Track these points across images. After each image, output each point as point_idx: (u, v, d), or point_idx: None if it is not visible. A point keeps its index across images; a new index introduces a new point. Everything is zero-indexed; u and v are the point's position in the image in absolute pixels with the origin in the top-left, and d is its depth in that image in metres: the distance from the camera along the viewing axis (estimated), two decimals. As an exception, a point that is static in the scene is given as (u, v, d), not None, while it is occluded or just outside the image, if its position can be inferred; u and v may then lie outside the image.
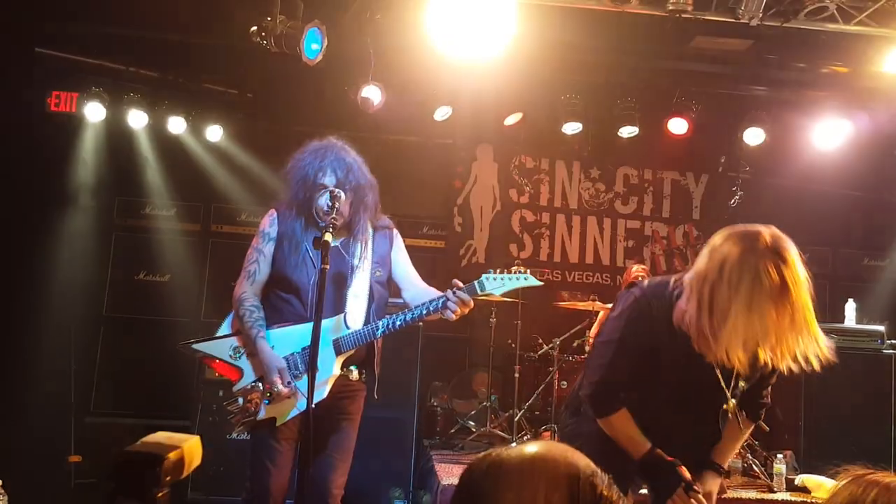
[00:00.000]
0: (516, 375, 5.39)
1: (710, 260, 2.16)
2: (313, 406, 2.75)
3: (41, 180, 5.89)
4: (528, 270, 3.26)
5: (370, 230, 3.13)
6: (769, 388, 2.52)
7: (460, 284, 2.95)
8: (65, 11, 5.00)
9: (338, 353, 2.95)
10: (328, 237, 2.80)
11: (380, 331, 2.97)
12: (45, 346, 5.66)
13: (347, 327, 2.96)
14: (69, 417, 5.53)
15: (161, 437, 1.16)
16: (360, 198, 3.05)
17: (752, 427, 2.56)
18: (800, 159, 6.20)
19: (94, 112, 5.63)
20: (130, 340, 6.13)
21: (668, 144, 6.39)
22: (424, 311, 2.95)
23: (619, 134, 6.19)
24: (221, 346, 3.08)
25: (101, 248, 6.31)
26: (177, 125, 5.93)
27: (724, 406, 2.38)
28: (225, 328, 3.13)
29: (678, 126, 6.08)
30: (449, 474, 4.40)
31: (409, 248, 3.33)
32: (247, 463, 3.00)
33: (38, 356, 5.60)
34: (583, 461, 1.04)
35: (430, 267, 4.74)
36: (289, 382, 2.90)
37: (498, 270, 3.06)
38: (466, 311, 2.96)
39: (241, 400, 3.00)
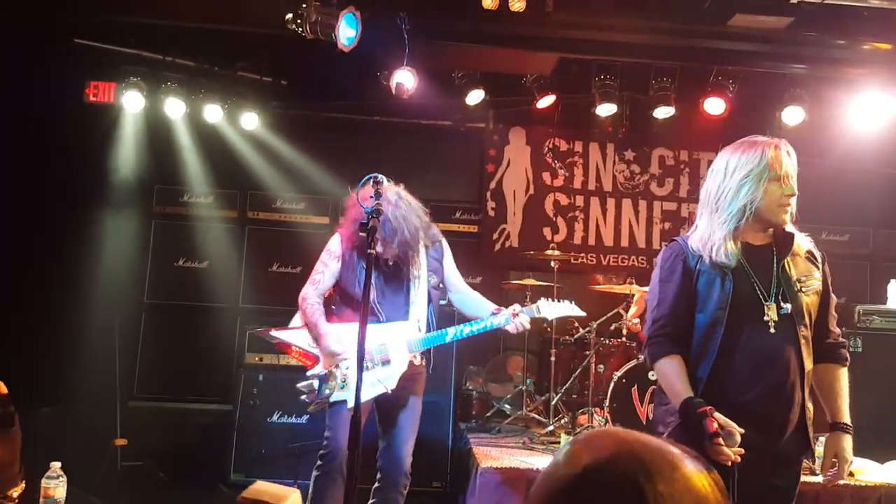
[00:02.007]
0: (552, 359, 5.39)
1: (708, 175, 2.57)
2: (388, 391, 3.44)
3: (81, 170, 6.00)
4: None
5: (422, 249, 3.61)
6: (833, 322, 2.58)
7: (519, 310, 3.55)
8: (102, 1, 5.06)
9: (409, 351, 3.52)
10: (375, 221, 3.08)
11: (448, 338, 3.53)
12: (89, 332, 5.79)
13: (420, 330, 3.54)
14: (114, 402, 5.66)
15: (265, 488, 1.20)
16: (404, 249, 3.49)
17: (843, 369, 2.57)
18: (840, 138, 6.07)
19: (133, 102, 5.71)
20: (171, 326, 6.25)
21: (704, 125, 6.30)
22: (489, 328, 3.54)
23: (654, 115, 6.12)
24: (300, 335, 3.58)
25: (142, 236, 6.43)
26: (213, 113, 5.99)
27: (766, 317, 2.40)
28: (296, 322, 3.64)
29: (715, 106, 5.99)
30: (487, 457, 4.42)
31: (442, 233, 3.79)
32: (325, 424, 3.50)
33: (84, 343, 5.74)
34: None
35: (464, 252, 4.74)
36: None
37: (551, 299, 3.79)
38: (520, 330, 3.60)
39: (315, 383, 3.46)
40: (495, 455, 4.52)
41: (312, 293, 3.56)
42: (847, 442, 2.48)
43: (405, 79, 5.24)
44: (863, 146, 6.04)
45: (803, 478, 4.26)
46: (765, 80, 6.05)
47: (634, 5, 4.83)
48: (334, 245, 3.62)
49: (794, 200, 2.48)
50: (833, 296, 2.60)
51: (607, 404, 4.81)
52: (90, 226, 6.08)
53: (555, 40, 4.96)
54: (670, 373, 2.45)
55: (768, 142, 2.50)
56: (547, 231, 6.95)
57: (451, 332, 3.52)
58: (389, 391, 3.45)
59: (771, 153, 2.46)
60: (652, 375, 4.75)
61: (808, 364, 2.47)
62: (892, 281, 5.53)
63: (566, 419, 5.37)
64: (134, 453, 5.47)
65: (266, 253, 6.54)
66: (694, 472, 0.92)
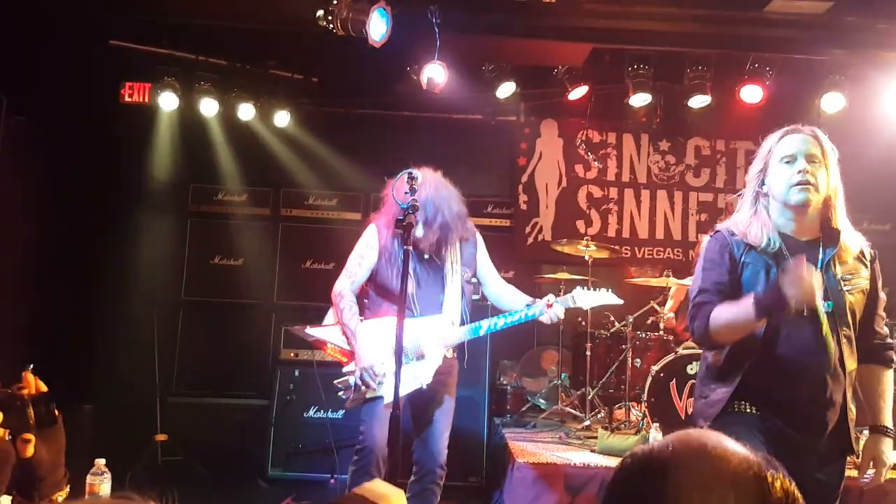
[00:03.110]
0: (587, 354, 5.34)
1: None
2: (423, 387, 3.42)
3: (117, 170, 6.10)
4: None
5: (458, 243, 3.57)
6: (880, 323, 2.51)
7: (554, 300, 3.48)
8: (136, 2, 5.12)
9: (444, 346, 3.48)
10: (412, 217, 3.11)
11: (482, 331, 3.48)
12: (129, 330, 5.89)
13: (453, 324, 3.47)
14: (154, 398, 5.75)
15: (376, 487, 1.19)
16: (445, 232, 3.44)
17: (887, 371, 2.50)
18: (881, 125, 5.91)
19: (167, 101, 5.78)
20: (208, 323, 6.33)
21: (741, 113, 6.18)
22: (523, 319, 3.47)
23: (689, 104, 6.02)
24: (335, 333, 3.53)
25: (178, 234, 6.51)
26: (246, 112, 6.03)
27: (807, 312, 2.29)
28: (329, 319, 3.61)
29: (752, 94, 5.87)
30: (523, 453, 4.40)
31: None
32: (360, 419, 3.46)
33: (124, 341, 5.84)
34: (752, 455, 0.97)
35: (496, 246, 4.71)
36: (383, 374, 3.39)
37: (586, 287, 3.67)
38: (556, 320, 3.51)
39: (351, 380, 3.42)
40: (531, 450, 4.49)
41: (348, 288, 3.51)
42: (886, 445, 2.42)
43: (436, 73, 5.21)
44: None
45: (847, 472, 4.22)
46: (803, 67, 5.91)
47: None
48: (371, 236, 3.54)
49: (814, 178, 2.36)
50: (883, 296, 2.53)
51: (645, 399, 4.76)
52: (128, 225, 6.18)
53: (587, 30, 4.90)
54: (725, 309, 2.35)
55: (786, 128, 2.46)
56: (580, 224, 6.88)
57: (486, 325, 3.48)
58: (425, 387, 3.43)
59: (778, 136, 2.44)
60: (691, 369, 4.68)
61: (851, 364, 2.39)
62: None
63: (602, 414, 5.32)
64: (174, 448, 5.55)
65: (299, 249, 6.58)
66: (727, 460, 0.95)
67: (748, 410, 2.37)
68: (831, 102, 5.81)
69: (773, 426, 2.33)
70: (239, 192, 6.64)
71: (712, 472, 0.93)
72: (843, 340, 2.37)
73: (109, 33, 5.57)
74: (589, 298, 3.62)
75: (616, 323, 5.58)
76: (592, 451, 4.51)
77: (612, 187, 6.93)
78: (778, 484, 0.94)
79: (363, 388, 3.36)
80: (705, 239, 2.60)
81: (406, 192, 3.08)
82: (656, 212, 6.92)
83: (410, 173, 3.09)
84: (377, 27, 4.30)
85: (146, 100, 5.90)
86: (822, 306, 2.30)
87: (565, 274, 5.53)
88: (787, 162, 2.38)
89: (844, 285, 2.40)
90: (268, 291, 6.53)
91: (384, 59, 4.98)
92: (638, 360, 5.22)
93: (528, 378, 6.13)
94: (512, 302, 3.65)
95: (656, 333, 5.32)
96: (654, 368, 4.78)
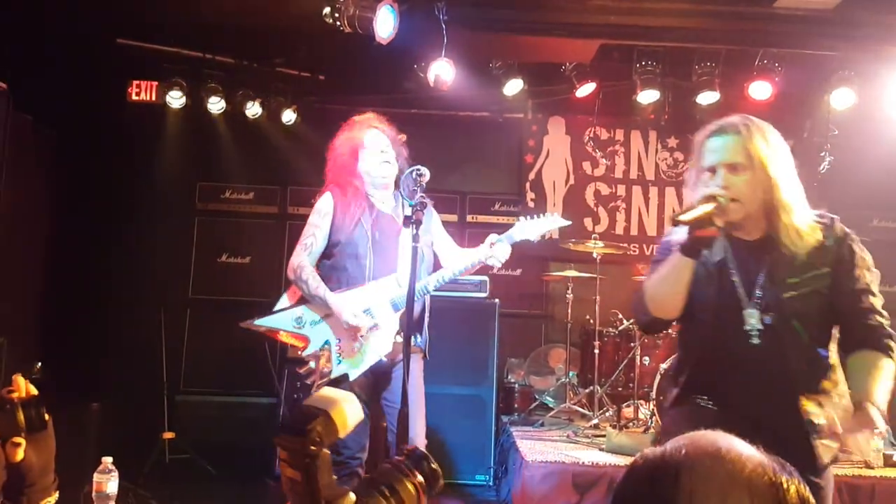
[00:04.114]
0: (596, 352, 5.32)
1: None
2: (384, 359, 3.23)
3: (125, 168, 6.10)
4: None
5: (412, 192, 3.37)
6: (866, 311, 2.15)
7: (494, 240, 3.27)
8: (143, 1, 5.13)
9: (395, 310, 3.25)
10: (382, 208, 3.11)
11: (431, 286, 3.26)
12: (136, 328, 5.89)
13: (400, 286, 3.23)
14: (161, 396, 5.76)
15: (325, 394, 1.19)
16: (404, 158, 3.42)
17: (878, 354, 2.11)
18: (891, 121, 5.86)
19: (174, 100, 5.78)
20: (215, 321, 6.32)
21: (750, 110, 6.06)
22: (468, 267, 3.26)
23: (697, 101, 5.98)
24: (283, 319, 3.34)
25: (185, 233, 6.52)
26: (253, 110, 6.03)
27: (746, 325, 2.10)
28: (283, 303, 3.41)
29: (761, 90, 5.82)
30: (531, 451, 4.38)
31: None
32: None
33: (131, 339, 5.84)
34: (766, 458, 0.95)
35: (505, 243, 4.72)
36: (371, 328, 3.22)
37: (529, 217, 3.42)
38: (504, 259, 3.27)
39: (313, 363, 3.28)
40: (540, 449, 4.47)
41: (307, 260, 3.30)
42: (871, 409, 2.00)
43: (443, 70, 5.20)
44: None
45: (858, 471, 4.19)
46: (813, 63, 5.87)
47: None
48: (325, 204, 3.38)
49: (735, 193, 2.10)
50: (864, 277, 2.17)
51: (654, 397, 4.74)
52: (135, 223, 6.18)
53: (595, 26, 4.87)
54: (658, 271, 2.18)
55: (710, 128, 2.23)
56: (588, 221, 6.85)
57: (433, 280, 3.25)
58: (385, 358, 3.23)
59: (702, 139, 2.23)
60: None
61: (811, 375, 2.15)
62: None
63: (611, 412, 5.30)
64: (181, 446, 5.55)
65: (307, 247, 6.57)
66: (742, 464, 0.94)
67: (703, 404, 2.22)
68: (841, 98, 5.76)
69: (730, 419, 2.23)
70: (246, 191, 6.64)
71: (727, 477, 0.91)
72: (791, 352, 2.11)
73: (117, 32, 5.58)
74: (533, 228, 3.35)
75: (625, 321, 5.56)
76: (601, 449, 4.50)
77: (619, 184, 6.90)
78: (793, 489, 0.92)
79: (326, 367, 3.21)
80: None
81: (414, 189, 3.06)
82: (665, 209, 6.89)
83: (418, 170, 3.06)
84: (385, 24, 4.29)
85: (153, 98, 5.91)
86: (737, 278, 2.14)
87: (573, 271, 5.51)
88: (710, 175, 2.16)
89: (789, 290, 2.12)
90: (275, 289, 6.47)
91: (391, 56, 4.97)
92: (646, 357, 5.20)
93: (535, 376, 6.11)
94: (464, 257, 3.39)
95: (665, 331, 5.29)
96: (663, 366, 4.76)
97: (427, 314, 3.41)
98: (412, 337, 3.15)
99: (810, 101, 6.11)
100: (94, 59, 5.41)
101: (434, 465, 1.19)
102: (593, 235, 5.64)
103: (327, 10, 4.28)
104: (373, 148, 3.42)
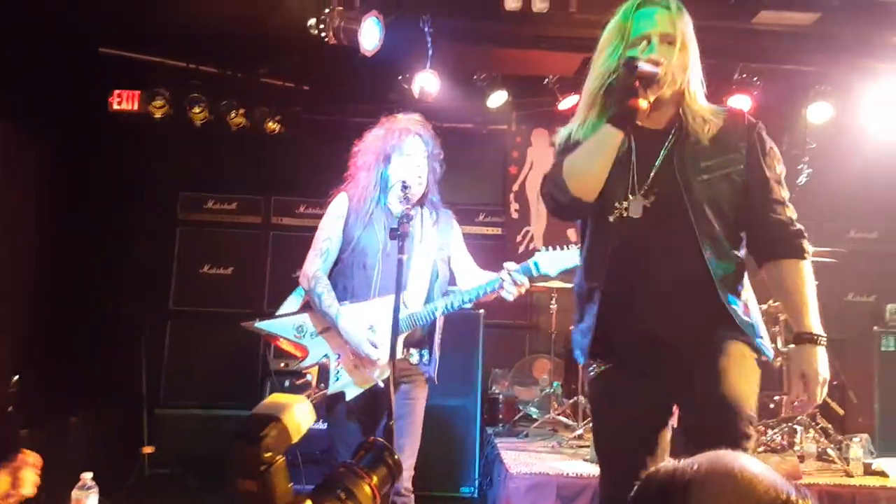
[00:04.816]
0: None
1: None
2: (381, 385, 3.00)
3: (108, 178, 6.05)
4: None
5: (440, 208, 3.21)
6: (777, 207, 2.08)
7: (514, 266, 3.00)
8: (125, 10, 5.10)
9: (404, 328, 2.99)
10: (407, 221, 2.82)
11: (438, 311, 3.03)
12: (116, 341, 5.82)
13: (406, 307, 2.97)
14: (141, 409, 5.69)
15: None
16: (438, 172, 3.18)
17: (797, 262, 2.06)
18: (869, 135, 5.96)
19: (157, 109, 5.74)
20: (197, 333, 6.27)
21: (729, 123, 6.20)
22: (481, 293, 3.00)
23: (678, 114, 6.03)
24: (285, 326, 3.13)
25: (167, 243, 6.46)
26: (237, 120, 6.01)
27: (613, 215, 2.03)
28: (288, 307, 3.19)
29: (740, 104, 5.90)
30: (516, 462, 4.38)
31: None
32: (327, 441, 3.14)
33: (111, 351, 5.77)
34: (780, 480, 0.95)
35: (488, 254, 4.71)
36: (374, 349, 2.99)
37: (549, 248, 3.14)
38: (523, 290, 3.00)
39: (309, 376, 3.08)
40: (524, 460, 4.47)
41: (322, 270, 3.09)
42: (815, 355, 1.96)
43: (428, 82, 5.22)
44: (893, 142, 5.91)
45: (838, 480, 4.22)
46: (791, 77, 5.96)
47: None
48: (339, 206, 3.17)
49: (668, 66, 2.04)
50: (775, 167, 2.12)
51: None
52: (116, 234, 6.12)
53: (579, 40, 4.91)
54: (582, 147, 2.08)
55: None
56: (571, 232, 6.88)
57: (441, 305, 3.03)
58: (381, 383, 3.01)
59: (632, 9, 2.18)
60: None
61: (719, 267, 2.02)
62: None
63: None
64: (162, 460, 5.49)
65: (291, 258, 6.49)
66: (754, 485, 0.94)
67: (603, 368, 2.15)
68: (819, 112, 5.85)
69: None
70: (229, 201, 6.60)
71: (736, 495, 0.92)
72: (706, 241, 2.02)
73: (99, 41, 5.55)
74: (554, 261, 3.11)
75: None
76: (585, 460, 4.50)
77: (602, 196, 6.94)
78: None
79: (322, 384, 3.04)
80: None
81: (401, 202, 3.03)
82: (647, 220, 6.94)
83: (403, 182, 3.02)
84: (370, 36, 4.31)
85: (136, 108, 5.86)
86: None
87: (558, 283, 5.52)
88: (645, 44, 2.08)
89: (700, 174, 2.04)
90: (258, 300, 6.48)
91: (376, 67, 4.99)
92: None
93: (520, 387, 6.11)
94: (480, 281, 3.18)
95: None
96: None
97: (439, 334, 3.17)
98: (418, 353, 3.08)
99: (789, 114, 6.19)
100: (75, 69, 5.37)
101: (396, 457, 1.19)
102: (576, 246, 5.66)
103: (312, 21, 4.29)
104: (410, 157, 3.13)
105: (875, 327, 5.22)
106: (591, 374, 2.21)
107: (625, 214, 2.05)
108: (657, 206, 2.04)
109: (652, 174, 2.05)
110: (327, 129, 6.48)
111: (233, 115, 5.98)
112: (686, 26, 2.08)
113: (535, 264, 3.07)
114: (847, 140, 6.18)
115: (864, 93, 5.71)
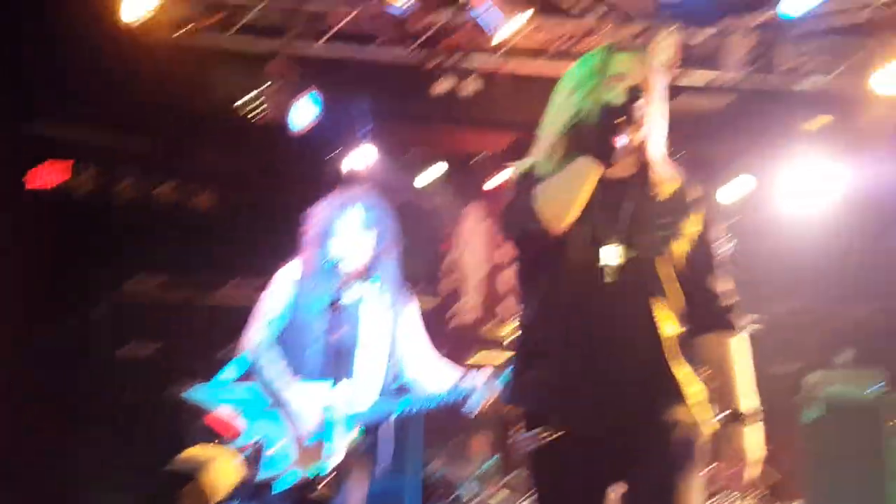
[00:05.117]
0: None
1: None
2: (320, 472, 2.75)
3: (30, 256, 5.81)
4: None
5: (394, 285, 3.03)
6: (717, 282, 2.04)
7: (488, 373, 2.91)
8: (51, 87, 5.03)
9: (346, 428, 2.82)
10: (346, 298, 2.71)
11: (392, 416, 2.87)
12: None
13: (355, 397, 2.82)
14: None
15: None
16: (388, 245, 3.02)
17: (732, 338, 2.03)
18: (788, 211, 6.22)
19: (83, 184, 5.62)
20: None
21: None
22: (445, 401, 2.89)
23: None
24: (221, 395, 2.90)
25: (93, 322, 6.18)
26: (167, 196, 5.93)
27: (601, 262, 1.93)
28: (228, 373, 2.98)
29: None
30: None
31: None
32: None
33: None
34: None
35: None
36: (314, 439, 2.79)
37: None
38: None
39: (241, 459, 2.77)
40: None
41: (266, 339, 2.89)
42: (746, 435, 1.92)
43: (362, 158, 5.29)
44: (807, 219, 6.19)
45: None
46: (710, 156, 6.26)
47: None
48: (289, 273, 2.98)
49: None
50: (716, 242, 2.10)
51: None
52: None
53: (509, 120, 5.09)
54: (555, 178, 1.98)
55: (610, 43, 2.21)
56: (503, 307, 6.93)
57: (397, 409, 2.87)
58: (320, 470, 2.80)
59: (605, 53, 2.14)
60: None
61: (672, 329, 1.98)
62: (844, 348, 5.61)
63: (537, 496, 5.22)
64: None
65: (220, 336, 6.32)
66: None
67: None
68: (737, 189, 6.13)
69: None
70: (159, 277, 6.41)
71: None
72: (655, 297, 1.97)
73: (23, 117, 5.43)
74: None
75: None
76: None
77: (534, 270, 7.04)
78: None
79: (256, 469, 2.76)
80: None
81: (342, 278, 2.90)
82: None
83: (342, 257, 2.91)
84: (305, 113, 4.36)
85: (62, 182, 5.72)
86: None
87: (497, 357, 5.51)
88: (623, 89, 2.00)
89: (658, 230, 2.01)
90: (187, 380, 6.23)
91: (311, 143, 5.03)
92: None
93: (456, 465, 6.00)
94: (442, 376, 3.06)
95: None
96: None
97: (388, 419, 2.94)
98: (364, 435, 2.86)
99: (708, 191, 6.46)
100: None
101: None
102: (511, 319, 5.71)
103: (248, 97, 4.32)
104: (348, 230, 2.97)
105: (796, 397, 5.37)
106: (533, 440, 2.04)
107: (600, 262, 1.97)
108: (626, 257, 1.97)
109: (620, 225, 1.99)
110: (259, 206, 6.43)
111: (163, 189, 5.89)
112: (655, 77, 2.06)
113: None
114: (766, 215, 6.48)
115: (779, 171, 6.02)
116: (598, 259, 1.95)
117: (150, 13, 3.95)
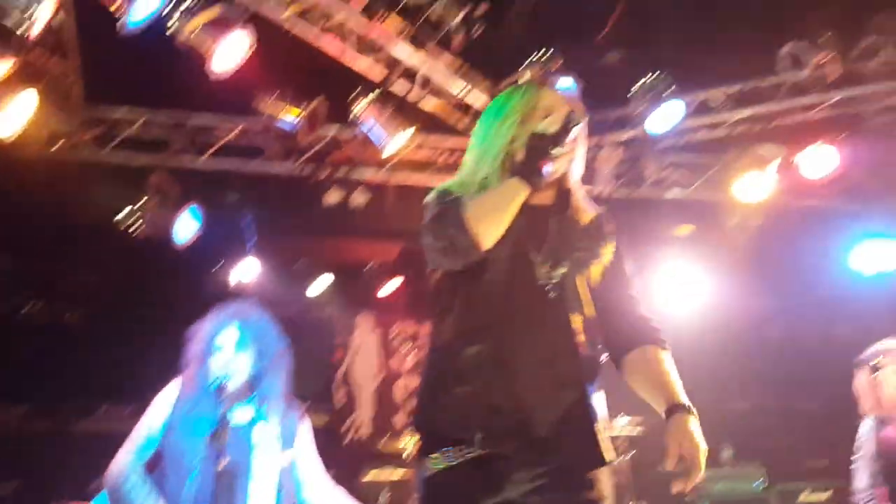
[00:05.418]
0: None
1: None
2: None
3: None
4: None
5: (281, 405, 2.84)
6: (640, 306, 2.08)
7: None
8: None
9: None
10: (232, 420, 2.53)
11: None
12: None
13: None
14: None
15: None
16: (271, 362, 2.84)
17: (665, 352, 2.03)
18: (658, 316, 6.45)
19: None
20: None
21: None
22: None
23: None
24: None
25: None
26: (34, 315, 5.56)
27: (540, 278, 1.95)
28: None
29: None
30: None
31: None
32: None
33: None
34: None
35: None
36: None
37: None
38: None
39: None
40: None
41: (133, 465, 2.66)
42: (693, 423, 1.90)
43: (247, 271, 5.17)
44: (681, 321, 6.46)
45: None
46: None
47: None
48: (167, 395, 2.77)
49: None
50: (631, 272, 2.14)
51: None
52: None
53: (397, 231, 5.15)
54: (486, 195, 2.01)
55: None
56: (398, 418, 6.80)
57: None
58: None
59: (534, 86, 2.29)
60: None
61: (593, 349, 2.00)
62: (726, 445, 5.76)
63: None
64: None
65: (89, 467, 5.85)
66: None
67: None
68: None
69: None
70: (20, 404, 5.92)
71: None
72: (577, 319, 1.99)
73: None
74: None
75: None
76: None
77: (428, 379, 6.99)
78: None
79: None
80: None
81: (219, 402, 2.61)
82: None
83: (220, 377, 2.66)
84: (186, 227, 4.25)
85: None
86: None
87: (393, 475, 5.33)
88: (546, 117, 2.10)
89: (578, 252, 2.04)
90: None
91: (192, 257, 4.88)
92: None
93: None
94: None
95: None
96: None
97: None
98: None
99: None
100: None
101: None
102: (405, 433, 5.58)
103: (124, 212, 4.18)
104: (224, 349, 2.79)
105: (686, 498, 5.46)
106: (436, 464, 1.93)
107: (538, 281, 1.98)
108: (557, 276, 1.99)
109: (549, 243, 2.02)
110: (135, 324, 6.11)
111: (30, 307, 5.53)
112: (580, 114, 2.12)
113: None
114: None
115: (649, 276, 6.30)
116: (531, 277, 1.97)
117: (24, 128, 3.79)
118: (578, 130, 2.05)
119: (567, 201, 2.11)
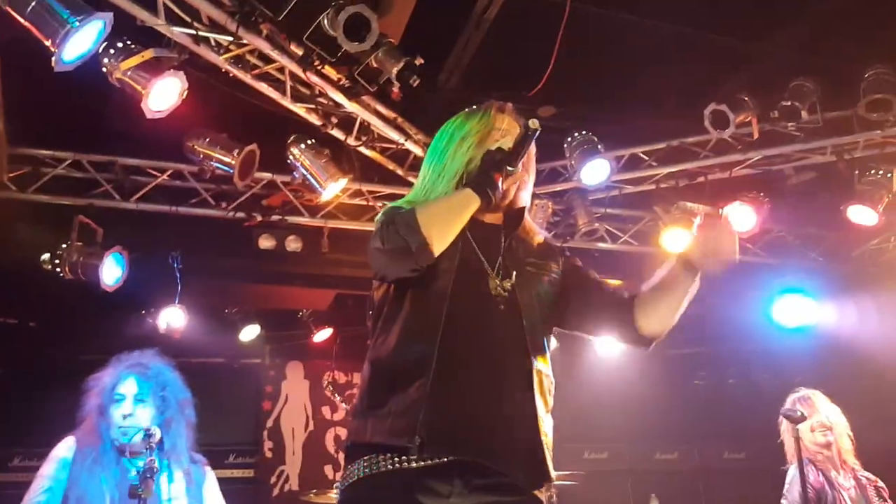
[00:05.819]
0: None
1: None
2: None
3: None
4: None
5: (186, 458, 2.77)
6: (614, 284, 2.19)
7: None
8: None
9: None
10: (133, 473, 2.44)
11: None
12: None
13: None
14: None
15: None
16: (174, 414, 2.77)
17: (630, 304, 2.12)
18: (593, 364, 6.53)
19: None
20: None
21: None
22: None
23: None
24: None
25: None
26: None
27: (492, 289, 1.98)
28: None
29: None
30: None
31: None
32: None
33: None
34: None
35: (239, 501, 4.33)
36: None
37: None
38: None
39: None
40: None
41: None
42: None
43: (175, 317, 5.03)
44: (610, 370, 6.57)
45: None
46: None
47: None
48: (62, 451, 2.70)
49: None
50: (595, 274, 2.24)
51: None
52: None
53: (331, 278, 5.10)
54: (438, 201, 2.04)
55: (492, 104, 2.31)
56: (328, 469, 6.64)
57: None
58: None
59: (491, 112, 2.27)
60: None
61: (540, 365, 2.00)
62: (653, 495, 5.81)
63: None
64: None
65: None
66: None
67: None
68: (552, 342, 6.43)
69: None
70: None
71: None
72: (527, 336, 1.99)
73: None
74: None
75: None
76: None
77: (360, 429, 6.87)
78: None
79: None
80: None
81: (143, 451, 2.58)
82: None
83: (147, 429, 2.61)
84: (111, 272, 4.12)
85: None
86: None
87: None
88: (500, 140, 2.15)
89: (528, 266, 2.10)
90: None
91: (118, 303, 4.72)
92: None
93: None
94: None
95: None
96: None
97: None
98: None
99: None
100: None
101: None
102: (335, 485, 5.43)
103: (46, 256, 4.02)
104: (122, 401, 2.74)
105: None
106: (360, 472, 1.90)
107: (494, 293, 1.99)
108: (508, 288, 2.01)
109: (499, 259, 2.05)
110: (54, 369, 5.84)
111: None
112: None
113: None
114: (576, 369, 6.79)
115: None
116: (483, 288, 1.99)
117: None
118: (530, 150, 2.09)
119: (518, 222, 2.16)
